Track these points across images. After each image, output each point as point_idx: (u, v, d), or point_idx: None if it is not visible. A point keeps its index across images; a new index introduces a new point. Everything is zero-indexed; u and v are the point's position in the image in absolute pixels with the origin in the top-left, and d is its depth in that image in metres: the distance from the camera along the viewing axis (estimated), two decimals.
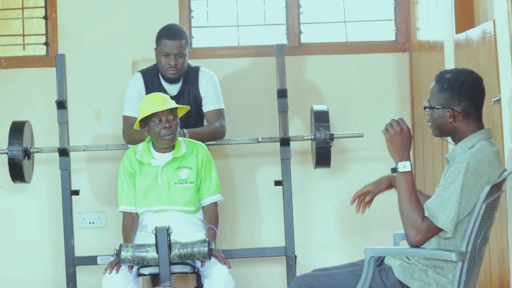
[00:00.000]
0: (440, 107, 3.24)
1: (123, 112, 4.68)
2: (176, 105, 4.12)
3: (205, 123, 4.74)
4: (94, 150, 4.86)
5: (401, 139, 3.26)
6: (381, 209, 5.20)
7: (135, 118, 4.49)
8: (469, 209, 3.15)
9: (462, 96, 3.22)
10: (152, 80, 4.64)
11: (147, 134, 4.17)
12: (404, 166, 3.23)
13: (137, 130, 4.27)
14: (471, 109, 3.23)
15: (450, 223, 3.14)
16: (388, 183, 3.55)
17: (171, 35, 4.53)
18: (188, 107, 4.26)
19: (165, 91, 4.56)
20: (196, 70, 4.68)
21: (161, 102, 4.08)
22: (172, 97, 4.53)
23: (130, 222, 4.22)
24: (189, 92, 4.64)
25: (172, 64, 4.52)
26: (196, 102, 4.65)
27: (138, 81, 4.65)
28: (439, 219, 3.14)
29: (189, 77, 4.65)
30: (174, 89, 4.63)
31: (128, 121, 4.63)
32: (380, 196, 5.29)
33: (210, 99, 4.67)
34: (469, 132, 3.24)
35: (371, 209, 5.31)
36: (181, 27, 4.67)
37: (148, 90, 4.60)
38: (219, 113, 4.68)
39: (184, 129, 4.43)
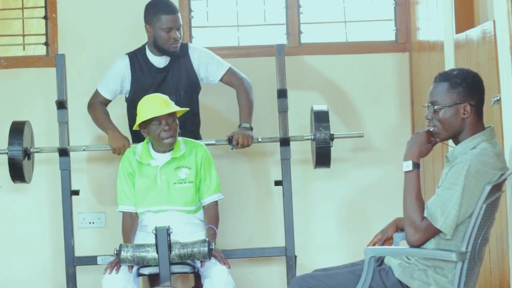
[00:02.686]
0: (454, 103, 3.23)
1: (98, 86, 4.71)
2: (176, 109, 4.12)
3: (202, 105, 4.80)
4: (94, 150, 4.86)
5: (412, 141, 3.31)
6: (382, 209, 5.22)
7: (105, 98, 4.67)
8: (471, 211, 3.15)
9: (476, 89, 3.24)
10: (138, 58, 4.66)
11: (146, 135, 4.17)
12: (407, 166, 3.26)
13: (102, 114, 4.57)
14: (480, 105, 3.24)
15: (448, 225, 3.14)
16: (395, 227, 3.54)
17: (170, 10, 4.56)
18: (187, 109, 4.26)
19: (154, 66, 4.63)
20: (185, 44, 4.70)
21: (161, 105, 4.08)
22: (162, 69, 4.62)
23: (130, 222, 4.23)
24: (180, 63, 4.65)
25: (176, 38, 4.55)
26: (186, 73, 4.65)
27: (125, 67, 4.66)
28: (437, 220, 3.15)
29: (180, 49, 4.65)
30: (164, 61, 4.65)
31: (98, 97, 4.70)
32: (381, 197, 5.33)
33: (213, 67, 4.69)
34: (475, 131, 3.23)
35: (371, 209, 5.35)
36: (171, 1, 4.68)
37: (135, 71, 4.64)
38: (232, 73, 4.71)
39: (243, 124, 4.51)
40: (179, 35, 4.57)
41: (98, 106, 4.69)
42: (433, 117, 3.28)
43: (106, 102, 4.71)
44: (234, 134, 4.49)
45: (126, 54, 4.72)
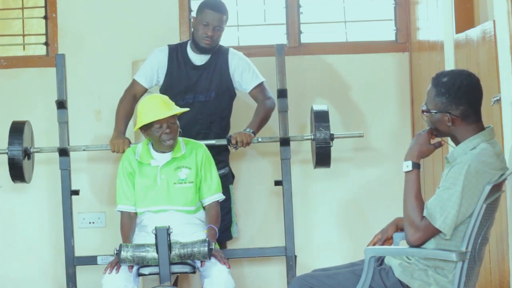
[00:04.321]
0: (437, 111, 3.24)
1: (135, 75, 4.75)
2: (177, 111, 4.11)
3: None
4: (94, 150, 4.85)
5: (413, 142, 3.32)
6: (382, 209, 5.21)
7: (141, 86, 4.67)
8: (471, 211, 3.15)
9: (460, 100, 3.22)
10: (177, 53, 4.71)
11: (146, 137, 4.17)
12: (407, 166, 3.27)
13: (123, 111, 4.60)
14: (469, 112, 3.23)
15: (448, 225, 3.14)
16: (395, 227, 3.54)
17: (216, 7, 4.62)
18: (187, 109, 4.25)
19: (191, 62, 4.67)
20: (226, 49, 4.76)
21: (162, 108, 4.07)
22: (198, 67, 4.67)
23: (129, 222, 4.23)
24: (217, 64, 4.70)
25: (210, 35, 4.59)
26: (221, 75, 4.69)
27: (162, 57, 4.71)
28: (436, 220, 3.15)
29: (219, 52, 4.72)
30: (201, 60, 4.69)
31: (133, 86, 4.71)
32: (381, 196, 5.33)
33: (248, 75, 4.71)
34: (469, 134, 3.24)
35: (371, 209, 5.35)
36: (224, 4, 4.72)
37: (171, 64, 4.69)
38: (262, 88, 4.73)
39: (247, 129, 4.51)
40: (213, 34, 4.58)
41: (126, 100, 4.68)
42: (427, 115, 3.31)
43: (140, 92, 4.70)
44: (233, 134, 4.51)
45: (168, 45, 4.76)
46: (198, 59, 4.69)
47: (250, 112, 4.72)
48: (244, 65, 4.72)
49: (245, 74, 4.71)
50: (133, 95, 4.70)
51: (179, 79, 4.68)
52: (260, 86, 4.72)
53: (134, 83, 4.73)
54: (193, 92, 4.66)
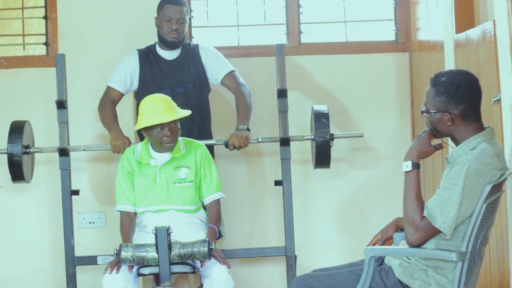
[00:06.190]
0: (437, 111, 3.25)
1: (108, 82, 4.79)
2: (181, 115, 4.10)
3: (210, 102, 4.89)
4: (94, 150, 4.86)
5: (414, 142, 3.33)
6: (381, 209, 5.22)
7: (117, 91, 4.73)
8: (471, 211, 3.15)
9: (459, 99, 3.22)
10: (148, 54, 4.81)
11: (146, 136, 4.17)
12: (407, 166, 3.28)
13: (110, 114, 4.61)
14: (468, 111, 3.23)
15: (448, 225, 3.14)
16: (395, 227, 3.55)
17: (174, 1, 4.73)
18: (189, 112, 4.23)
19: (163, 59, 4.77)
20: (195, 44, 4.87)
21: (165, 111, 4.05)
22: (171, 61, 4.77)
23: (128, 222, 4.23)
24: (189, 57, 4.80)
25: (174, 28, 4.71)
26: (195, 68, 4.78)
27: (134, 60, 4.80)
28: (436, 220, 3.15)
29: (190, 47, 4.83)
30: (172, 55, 4.80)
31: (109, 92, 4.76)
32: (380, 197, 5.33)
33: (220, 65, 4.79)
34: (469, 134, 3.24)
35: (371, 209, 5.35)
36: None
37: (144, 65, 4.77)
38: (234, 76, 4.79)
39: (240, 126, 4.53)
40: (177, 27, 4.70)
41: (107, 105, 4.72)
42: (426, 116, 3.31)
43: (117, 97, 4.76)
44: (229, 138, 4.50)
45: (137, 49, 4.85)
46: (169, 55, 4.79)
47: (231, 108, 4.73)
48: (215, 57, 4.82)
49: (215, 65, 4.79)
50: (111, 100, 4.74)
51: (154, 76, 4.76)
52: (231, 73, 4.78)
53: (109, 90, 4.77)
54: (170, 86, 4.73)
